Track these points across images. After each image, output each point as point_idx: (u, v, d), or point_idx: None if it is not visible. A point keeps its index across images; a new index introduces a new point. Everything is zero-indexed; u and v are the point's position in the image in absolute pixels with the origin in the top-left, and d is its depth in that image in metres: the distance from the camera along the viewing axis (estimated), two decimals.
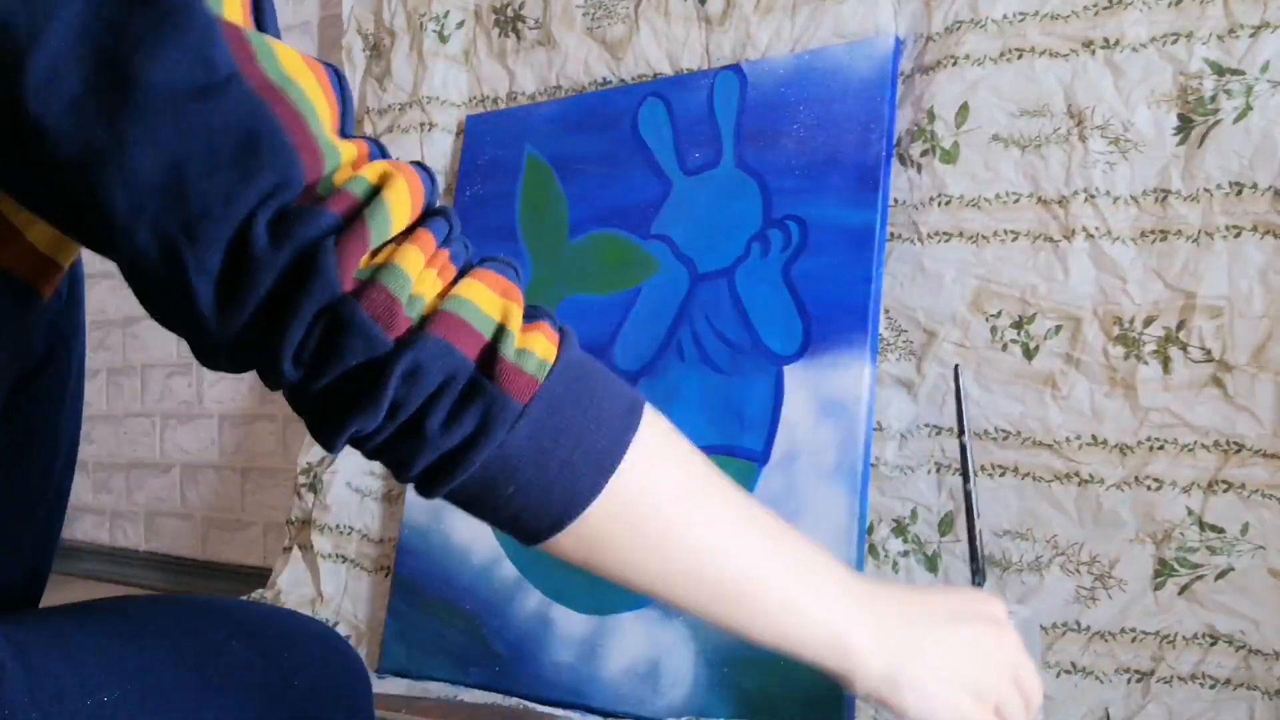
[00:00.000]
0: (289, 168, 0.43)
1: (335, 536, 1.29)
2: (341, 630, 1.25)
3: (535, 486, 0.46)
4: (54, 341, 0.62)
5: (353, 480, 1.31)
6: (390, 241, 0.44)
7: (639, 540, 0.48)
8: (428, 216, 0.45)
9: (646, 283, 1.11)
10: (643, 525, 0.48)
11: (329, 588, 1.27)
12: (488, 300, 0.45)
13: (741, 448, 1.01)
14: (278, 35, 0.48)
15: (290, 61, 0.45)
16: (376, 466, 1.30)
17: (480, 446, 0.44)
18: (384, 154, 0.47)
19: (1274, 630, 0.84)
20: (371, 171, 0.45)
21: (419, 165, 0.47)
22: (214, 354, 0.45)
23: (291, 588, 1.28)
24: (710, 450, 1.02)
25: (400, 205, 0.44)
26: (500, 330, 0.45)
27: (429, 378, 0.43)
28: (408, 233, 0.44)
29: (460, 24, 1.33)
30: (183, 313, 0.44)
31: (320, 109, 0.45)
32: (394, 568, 1.20)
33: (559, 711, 1.02)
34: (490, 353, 0.44)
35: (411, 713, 1.01)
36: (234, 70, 0.43)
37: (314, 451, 1.34)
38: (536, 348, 0.45)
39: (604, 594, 1.05)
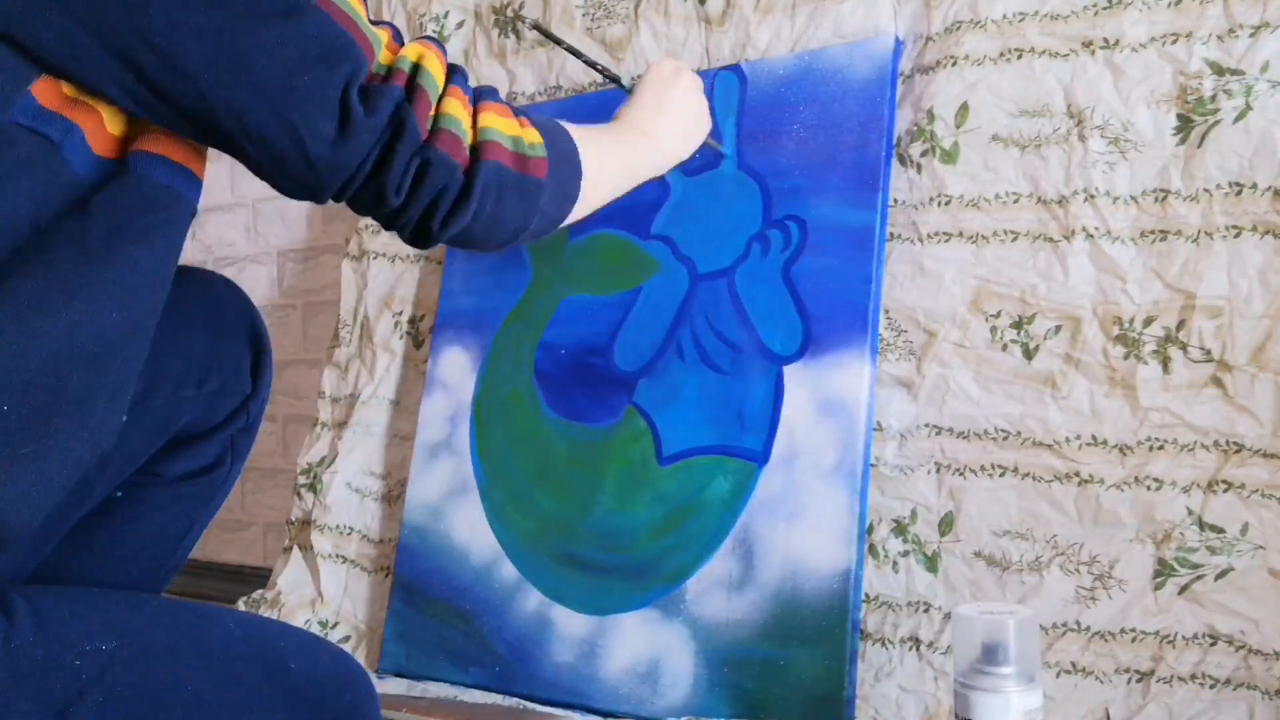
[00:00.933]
0: (357, 56, 0.63)
1: (335, 536, 1.29)
2: (341, 630, 1.25)
3: (552, 207, 0.75)
4: (224, 454, 0.81)
5: (353, 480, 1.31)
6: (440, 97, 0.67)
7: (599, 192, 0.83)
8: (453, 75, 0.69)
9: (646, 283, 1.11)
10: (596, 188, 0.81)
11: (329, 588, 1.27)
12: (501, 123, 0.70)
13: (741, 448, 1.01)
14: None
15: None
16: (376, 466, 1.30)
17: (531, 218, 0.73)
18: (399, 34, 0.68)
19: (1274, 630, 0.84)
20: (411, 51, 0.67)
21: (431, 38, 0.69)
22: (321, 196, 0.65)
23: (291, 588, 1.28)
24: (710, 450, 1.03)
25: (437, 72, 0.67)
26: (516, 141, 0.70)
27: (493, 186, 0.68)
28: (446, 88, 0.67)
29: (460, 24, 1.33)
30: (301, 173, 0.63)
31: (358, 9, 0.64)
32: (394, 568, 1.20)
33: (559, 711, 1.02)
34: (518, 157, 0.70)
35: (412, 712, 1.00)
36: None
37: (314, 451, 1.34)
38: (533, 138, 0.72)
39: (604, 594, 1.05)
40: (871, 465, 0.98)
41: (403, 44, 0.68)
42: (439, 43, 0.69)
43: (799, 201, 1.04)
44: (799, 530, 0.96)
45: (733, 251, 1.06)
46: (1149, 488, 0.89)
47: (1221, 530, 0.86)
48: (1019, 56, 0.97)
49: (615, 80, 1.05)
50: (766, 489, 0.99)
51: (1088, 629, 0.90)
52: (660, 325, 1.09)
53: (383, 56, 0.65)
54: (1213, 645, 0.86)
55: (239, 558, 1.65)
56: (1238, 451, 0.87)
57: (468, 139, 0.67)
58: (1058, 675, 0.90)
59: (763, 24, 1.11)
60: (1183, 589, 0.87)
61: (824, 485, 0.96)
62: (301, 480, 1.33)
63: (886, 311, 1.01)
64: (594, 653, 1.04)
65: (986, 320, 0.97)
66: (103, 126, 0.61)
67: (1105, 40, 0.94)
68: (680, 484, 1.03)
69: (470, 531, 1.15)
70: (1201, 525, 0.87)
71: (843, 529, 0.94)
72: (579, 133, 0.79)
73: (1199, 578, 0.87)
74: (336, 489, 1.30)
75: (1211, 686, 0.85)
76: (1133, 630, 0.88)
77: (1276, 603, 0.84)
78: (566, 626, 1.06)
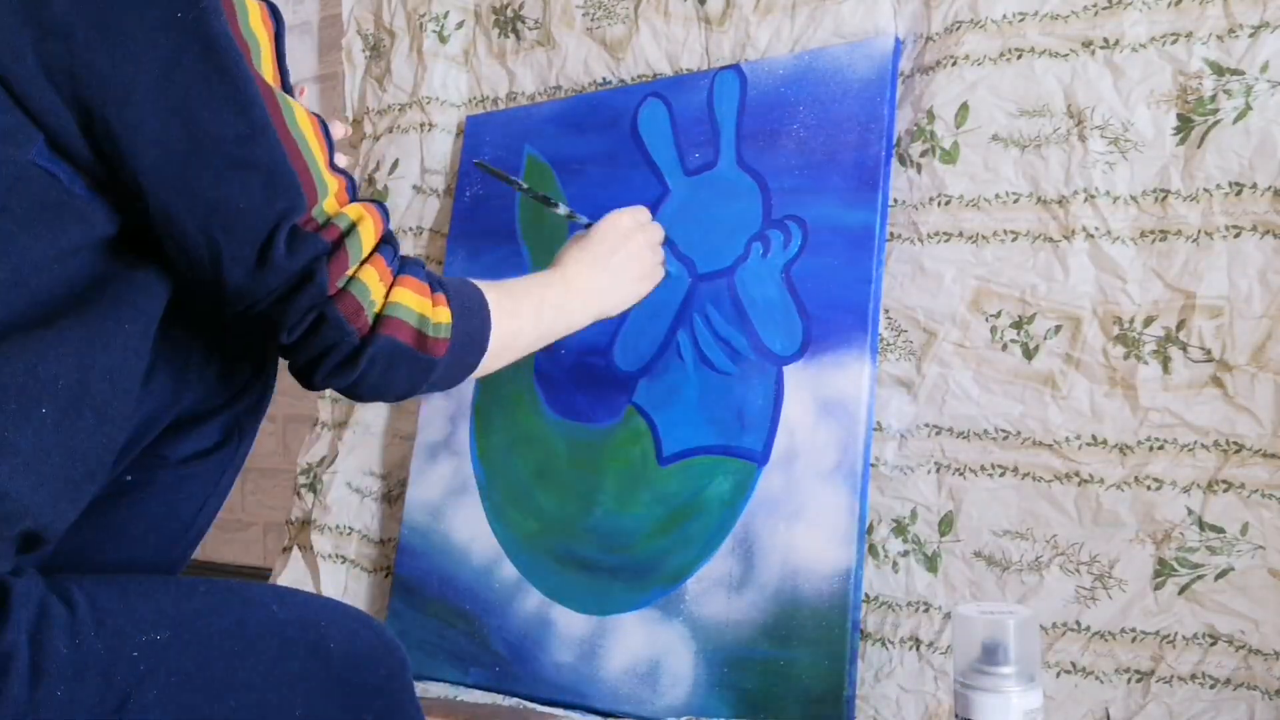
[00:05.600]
0: (296, 197, 0.66)
1: (335, 537, 1.29)
2: None
3: (448, 377, 0.77)
4: (231, 431, 0.82)
5: (353, 480, 1.31)
6: (361, 262, 0.69)
7: (510, 352, 0.84)
8: (383, 244, 0.71)
9: None
10: (508, 349, 0.83)
11: (329, 588, 1.27)
12: (413, 300, 0.71)
13: (741, 448, 1.01)
14: (291, 91, 0.70)
15: (301, 117, 0.67)
16: (376, 467, 1.30)
17: (420, 387, 0.75)
18: (354, 186, 0.71)
19: (1274, 630, 0.84)
20: (353, 211, 0.69)
21: (377, 202, 0.72)
22: (220, 306, 0.67)
23: None
24: (710, 450, 1.03)
25: (368, 238, 0.69)
26: (422, 320, 0.72)
27: (383, 358, 0.70)
28: (370, 256, 0.69)
29: (460, 24, 1.33)
30: (208, 283, 0.65)
31: (317, 152, 0.68)
32: (394, 568, 1.20)
33: (559, 711, 1.02)
34: (420, 335, 0.71)
35: None
36: (266, 121, 0.65)
37: (314, 452, 1.34)
38: (442, 318, 0.73)
39: (604, 594, 1.05)
40: (871, 465, 0.98)
41: (355, 197, 0.70)
42: (383, 208, 0.72)
43: (799, 201, 1.04)
44: (799, 530, 0.96)
45: (733, 251, 1.06)
46: (1149, 488, 0.89)
47: (1221, 530, 0.86)
48: (1019, 56, 0.97)
49: (575, 217, 1.02)
50: (766, 489, 0.99)
51: (1088, 629, 0.90)
52: (660, 325, 1.09)
53: (327, 204, 0.67)
54: (1213, 645, 0.86)
55: (239, 558, 1.65)
56: (1238, 451, 0.87)
57: (374, 309, 0.69)
58: (1058, 675, 0.90)
59: (763, 24, 1.11)
60: (1183, 589, 0.87)
61: (824, 485, 0.96)
62: (301, 480, 1.33)
63: (886, 311, 1.01)
64: (594, 653, 1.04)
65: (986, 320, 0.97)
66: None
67: (1105, 40, 0.94)
68: (680, 484, 1.03)
69: (470, 531, 1.15)
70: (1201, 525, 0.87)
71: (843, 529, 0.94)
72: (500, 296, 0.81)
73: (1199, 578, 0.87)
74: (336, 489, 1.30)
75: (1211, 686, 0.85)
76: (1133, 630, 0.88)
77: (1276, 603, 0.84)
78: (566, 626, 1.06)
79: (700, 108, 1.12)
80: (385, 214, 0.72)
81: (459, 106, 1.33)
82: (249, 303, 0.66)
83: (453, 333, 0.73)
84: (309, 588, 1.28)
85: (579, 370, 1.13)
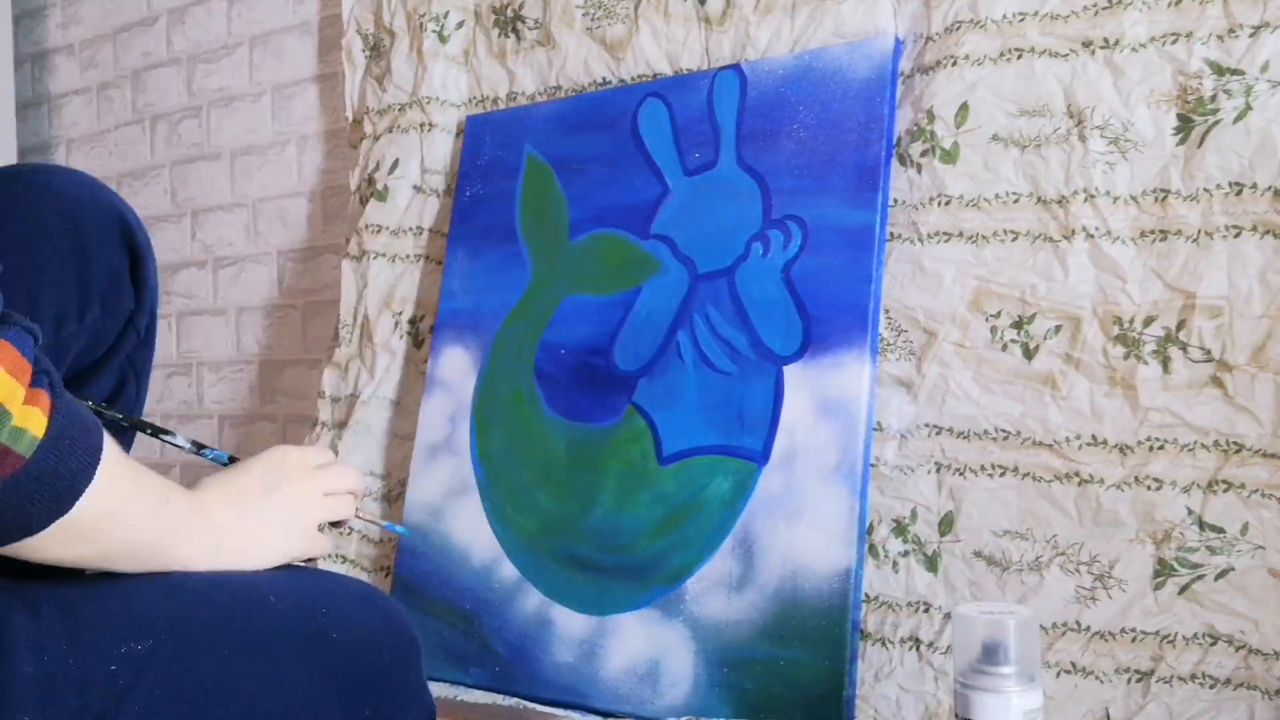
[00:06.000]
0: None
1: (335, 536, 1.29)
2: None
3: (7, 515, 0.51)
4: (126, 375, 0.70)
5: None
6: None
7: (75, 543, 0.55)
8: None
9: (646, 283, 1.11)
10: (81, 536, 0.55)
11: None
12: None
13: (741, 448, 1.01)
14: None
15: None
16: (376, 467, 1.30)
17: None
18: None
19: (1274, 630, 0.84)
20: None
21: None
22: None
23: None
24: (710, 450, 1.03)
25: None
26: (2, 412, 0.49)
27: None
28: None
29: (460, 24, 1.33)
30: None
31: None
32: (394, 568, 1.20)
33: (559, 711, 1.02)
34: None
35: None
36: None
37: None
38: (30, 424, 0.50)
39: (604, 594, 1.05)
40: (871, 465, 0.98)
41: None
42: None
43: (799, 201, 1.04)
44: (799, 530, 0.96)
45: (733, 251, 1.06)
46: (1149, 488, 0.89)
47: (1221, 530, 0.86)
48: (1019, 56, 0.97)
49: (204, 449, 0.78)
50: (766, 489, 0.99)
51: (1088, 629, 0.90)
52: (660, 325, 1.09)
53: None
54: (1213, 645, 0.86)
55: None
56: (1238, 451, 0.87)
57: None
58: (1058, 675, 0.90)
59: (763, 24, 1.11)
60: (1183, 589, 0.87)
61: (824, 485, 0.96)
62: None
63: (886, 311, 1.01)
64: (594, 653, 1.04)
65: (986, 320, 0.97)
66: None
67: (1105, 40, 0.94)
68: (680, 484, 1.03)
69: (470, 531, 1.15)
70: (1201, 525, 0.87)
71: (843, 529, 0.94)
72: (119, 457, 0.57)
73: (1199, 578, 0.87)
74: None
75: (1211, 686, 0.85)
76: (1133, 630, 0.88)
77: (1276, 603, 0.84)
78: (566, 626, 1.06)
79: (700, 108, 1.12)
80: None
81: (459, 106, 1.33)
82: None
83: (37, 451, 0.50)
84: None
85: (579, 370, 1.13)
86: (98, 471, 0.53)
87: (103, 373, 0.74)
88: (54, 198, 0.74)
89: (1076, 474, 0.92)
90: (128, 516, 0.57)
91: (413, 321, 1.32)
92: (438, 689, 1.10)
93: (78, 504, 0.52)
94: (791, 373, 1.00)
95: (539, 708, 1.04)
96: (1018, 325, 0.96)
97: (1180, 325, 0.89)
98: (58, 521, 0.52)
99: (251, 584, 0.62)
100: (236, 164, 1.66)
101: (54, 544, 0.53)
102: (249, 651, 0.59)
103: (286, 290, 1.59)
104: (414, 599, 1.16)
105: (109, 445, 0.55)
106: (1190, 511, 0.88)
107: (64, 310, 0.72)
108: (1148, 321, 0.91)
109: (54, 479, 0.51)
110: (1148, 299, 0.91)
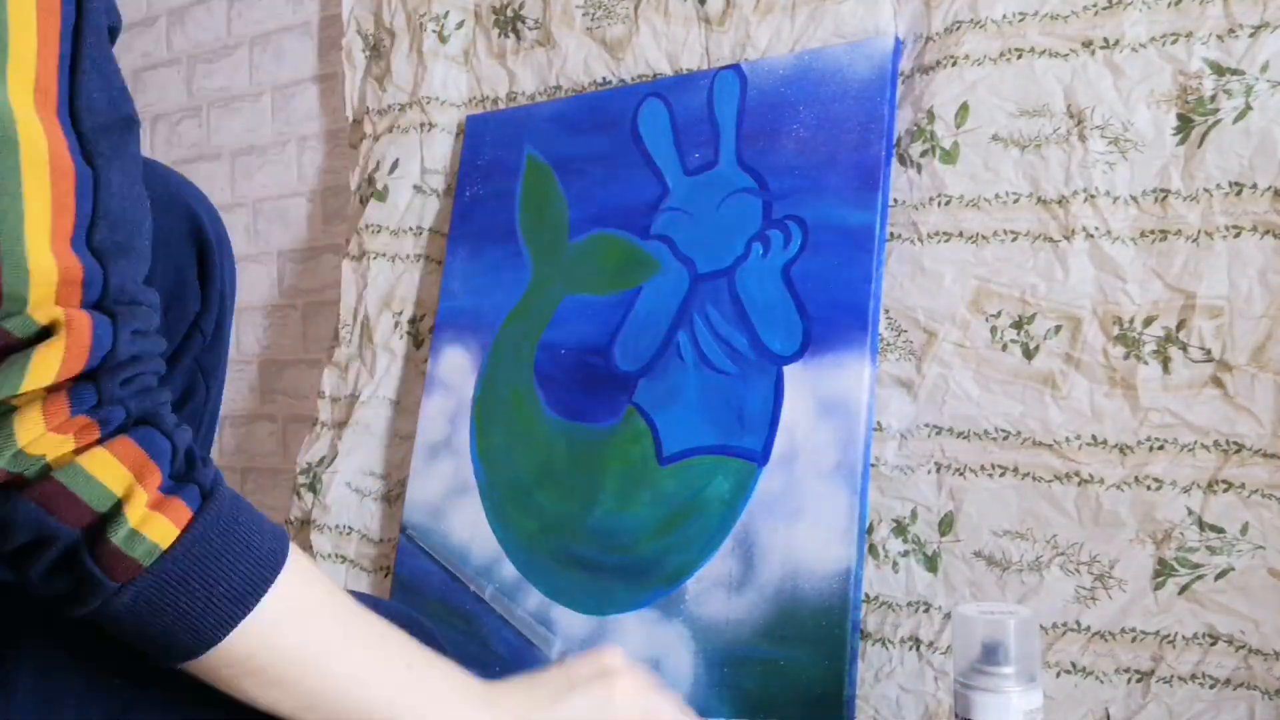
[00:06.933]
0: None
1: (335, 536, 1.29)
2: None
3: (147, 636, 0.47)
4: (194, 378, 0.68)
5: (352, 480, 1.31)
6: (19, 396, 0.42)
7: (266, 681, 0.49)
8: (80, 380, 0.44)
9: (646, 283, 1.11)
10: (270, 668, 0.49)
11: None
12: (113, 475, 0.45)
13: (741, 448, 1.01)
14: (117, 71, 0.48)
15: (32, 157, 0.43)
16: (376, 466, 1.30)
17: (76, 607, 0.46)
18: (105, 278, 0.45)
19: (1274, 630, 0.84)
20: (43, 315, 0.43)
21: (106, 315, 0.45)
22: None
23: None
24: (710, 450, 1.03)
25: (43, 366, 0.43)
26: (116, 508, 0.44)
27: (14, 534, 0.44)
28: (52, 390, 0.43)
29: (460, 24, 1.33)
30: None
31: (36, 220, 0.43)
32: (394, 568, 1.20)
33: None
34: (98, 529, 0.44)
35: None
36: None
37: (313, 451, 1.34)
38: (153, 531, 0.45)
39: (604, 594, 1.05)
40: (871, 465, 0.98)
41: (95, 296, 0.45)
42: (115, 321, 0.46)
43: (799, 201, 1.04)
44: (799, 530, 0.96)
45: (733, 251, 1.06)
46: (1149, 488, 0.89)
47: (1221, 530, 0.86)
48: (1019, 56, 0.97)
49: None
50: (766, 489, 0.99)
51: (1088, 629, 0.90)
52: (660, 325, 1.09)
53: (33, 296, 0.43)
54: (1213, 645, 0.86)
55: None
56: (1238, 451, 0.87)
57: (19, 463, 0.43)
58: (1058, 675, 0.90)
59: (763, 24, 1.11)
60: (1183, 589, 0.87)
61: (824, 485, 0.96)
62: (301, 480, 1.33)
63: (886, 311, 1.01)
64: None
65: (986, 320, 0.97)
66: None
67: (1105, 40, 0.94)
68: (680, 484, 1.03)
69: (470, 531, 1.15)
70: (1201, 525, 0.87)
71: (842, 529, 0.94)
72: (331, 593, 0.51)
73: (1199, 578, 0.87)
74: (336, 489, 1.30)
75: (1211, 686, 0.85)
76: (1133, 630, 0.88)
77: (1276, 603, 0.84)
78: (567, 626, 1.06)
79: (700, 108, 1.12)
80: (112, 333, 0.46)
81: (459, 106, 1.33)
82: None
83: (163, 561, 0.45)
84: None
85: (579, 370, 1.13)
86: (274, 586, 0.47)
87: (169, 376, 0.69)
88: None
89: (1076, 474, 0.92)
90: (319, 654, 0.49)
91: (413, 321, 1.32)
92: None
93: (242, 621, 0.47)
94: (791, 373, 1.00)
95: None
96: (1018, 325, 0.96)
97: (1180, 325, 0.89)
98: (219, 641, 0.46)
99: None
100: (236, 164, 1.66)
101: (232, 675, 0.48)
102: (224, 705, 0.51)
103: (286, 290, 1.59)
104: (414, 599, 1.16)
105: (317, 586, 0.49)
106: (1190, 511, 0.88)
107: None
108: (1148, 321, 0.91)
109: (191, 588, 0.46)
110: (1148, 299, 0.91)
